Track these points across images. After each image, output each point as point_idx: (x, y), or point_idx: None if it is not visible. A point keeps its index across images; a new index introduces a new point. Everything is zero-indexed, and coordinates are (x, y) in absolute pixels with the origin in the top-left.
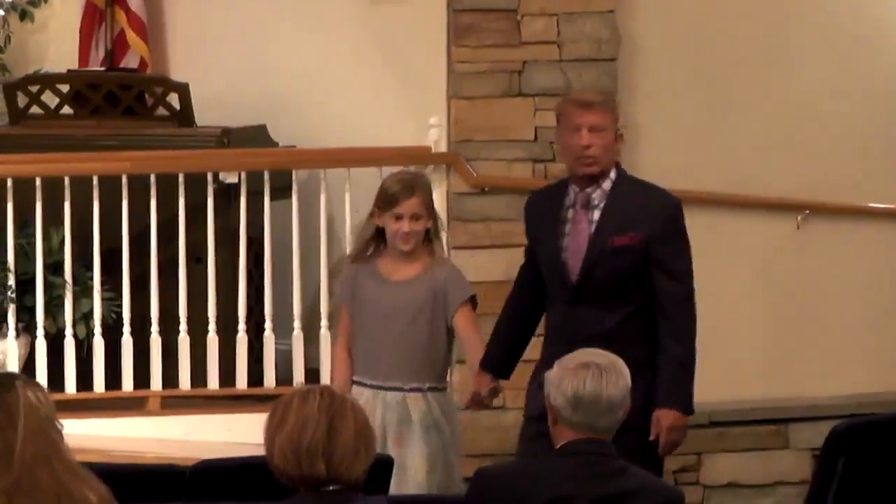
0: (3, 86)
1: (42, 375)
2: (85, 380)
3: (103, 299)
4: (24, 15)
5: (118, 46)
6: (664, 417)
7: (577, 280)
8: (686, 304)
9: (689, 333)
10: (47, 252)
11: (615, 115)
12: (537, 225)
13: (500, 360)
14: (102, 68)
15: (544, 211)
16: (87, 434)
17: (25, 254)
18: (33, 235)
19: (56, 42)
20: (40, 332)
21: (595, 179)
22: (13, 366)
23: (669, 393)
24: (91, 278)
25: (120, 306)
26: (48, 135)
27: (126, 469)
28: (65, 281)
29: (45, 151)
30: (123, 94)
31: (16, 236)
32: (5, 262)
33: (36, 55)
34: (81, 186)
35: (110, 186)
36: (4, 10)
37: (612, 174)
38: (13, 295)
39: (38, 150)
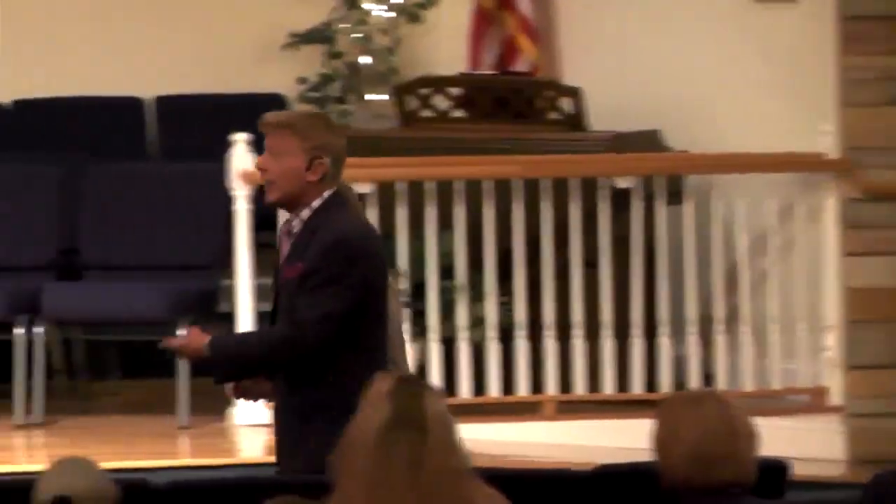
0: (394, 88)
1: (436, 380)
2: (477, 384)
3: (498, 304)
4: (413, 17)
5: (507, 50)
6: (194, 338)
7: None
8: (289, 345)
9: (273, 352)
10: (440, 256)
11: (307, 140)
12: None
13: None
14: (493, 72)
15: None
16: (481, 439)
17: (418, 258)
18: (425, 239)
19: (445, 45)
20: (434, 335)
21: (295, 208)
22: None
23: (221, 339)
24: (483, 282)
25: (512, 311)
26: (438, 137)
27: (523, 474)
28: (457, 285)
29: (435, 154)
30: (513, 98)
31: (410, 240)
32: (395, 266)
33: (424, 58)
34: (473, 190)
35: (502, 190)
36: (395, 14)
37: (316, 204)
38: (408, 299)
39: (427, 153)
